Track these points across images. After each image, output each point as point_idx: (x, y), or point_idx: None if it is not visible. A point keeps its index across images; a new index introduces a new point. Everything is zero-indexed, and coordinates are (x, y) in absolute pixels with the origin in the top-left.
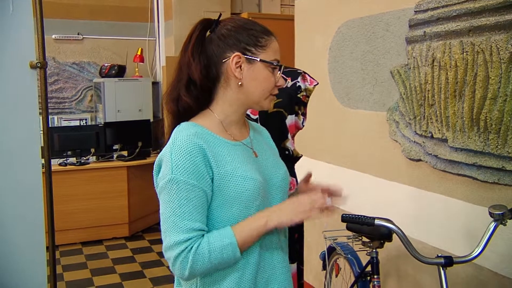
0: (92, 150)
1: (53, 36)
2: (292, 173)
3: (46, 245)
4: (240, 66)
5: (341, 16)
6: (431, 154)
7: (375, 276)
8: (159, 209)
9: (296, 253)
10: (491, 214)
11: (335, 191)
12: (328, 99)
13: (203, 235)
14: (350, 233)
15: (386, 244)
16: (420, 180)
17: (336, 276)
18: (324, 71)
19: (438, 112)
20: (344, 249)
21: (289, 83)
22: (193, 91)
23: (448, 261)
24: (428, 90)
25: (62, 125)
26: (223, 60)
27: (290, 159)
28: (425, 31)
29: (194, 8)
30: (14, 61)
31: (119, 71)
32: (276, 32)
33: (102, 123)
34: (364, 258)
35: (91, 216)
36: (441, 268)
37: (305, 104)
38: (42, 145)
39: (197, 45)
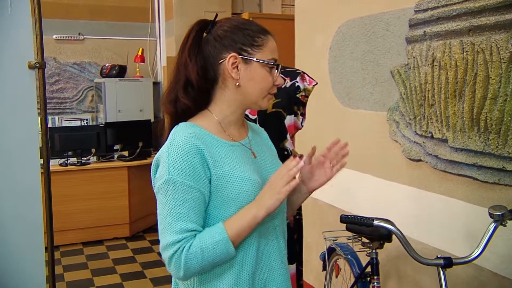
0: (93, 150)
1: (54, 36)
2: None
3: (45, 245)
4: (237, 67)
5: (341, 15)
6: (431, 154)
7: (375, 277)
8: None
9: (295, 254)
10: (491, 215)
11: (340, 152)
12: (329, 99)
13: (195, 235)
14: (350, 234)
15: (386, 244)
16: (420, 181)
17: (336, 276)
18: (324, 71)
19: (438, 112)
20: (344, 250)
21: (288, 83)
22: (190, 93)
23: (448, 262)
24: (428, 90)
25: (63, 125)
26: (220, 61)
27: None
28: (425, 31)
29: (195, 8)
30: (13, 61)
31: (120, 71)
32: (277, 32)
33: (103, 123)
34: (364, 259)
35: (92, 216)
36: (440, 269)
37: (304, 104)
38: (41, 145)
39: (193, 46)
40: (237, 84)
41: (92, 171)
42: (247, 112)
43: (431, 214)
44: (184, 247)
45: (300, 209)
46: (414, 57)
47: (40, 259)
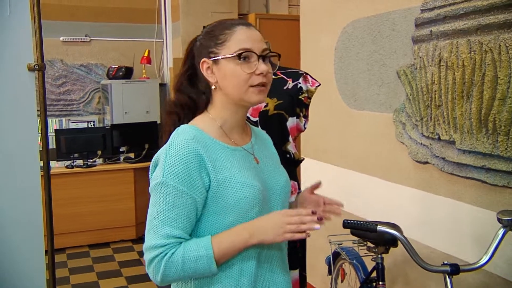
0: (99, 152)
1: (61, 38)
2: (293, 177)
3: (45, 248)
4: (212, 70)
5: (347, 16)
6: (438, 156)
7: (381, 283)
8: None
9: (298, 260)
10: (499, 220)
11: (334, 209)
12: (334, 100)
13: (180, 243)
14: (355, 238)
15: (392, 249)
16: (427, 183)
17: (342, 281)
18: (330, 71)
19: (445, 113)
20: (349, 254)
21: (290, 84)
22: (195, 93)
23: (455, 269)
24: (435, 91)
25: (70, 127)
26: (201, 70)
27: (291, 162)
28: (431, 30)
29: (201, 9)
30: (12, 63)
31: (127, 73)
32: (283, 33)
33: (109, 125)
34: (370, 263)
35: (98, 218)
36: (447, 276)
37: (306, 106)
38: (41, 148)
39: (188, 57)
40: (214, 87)
41: (98, 173)
42: (248, 114)
43: (438, 217)
44: (166, 253)
45: None
46: (420, 57)
47: (41, 262)
